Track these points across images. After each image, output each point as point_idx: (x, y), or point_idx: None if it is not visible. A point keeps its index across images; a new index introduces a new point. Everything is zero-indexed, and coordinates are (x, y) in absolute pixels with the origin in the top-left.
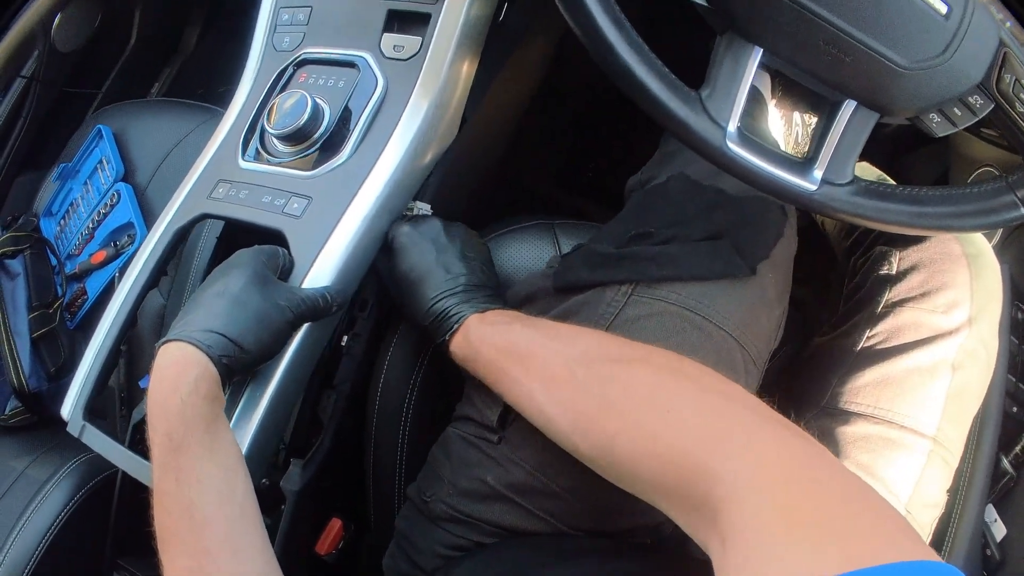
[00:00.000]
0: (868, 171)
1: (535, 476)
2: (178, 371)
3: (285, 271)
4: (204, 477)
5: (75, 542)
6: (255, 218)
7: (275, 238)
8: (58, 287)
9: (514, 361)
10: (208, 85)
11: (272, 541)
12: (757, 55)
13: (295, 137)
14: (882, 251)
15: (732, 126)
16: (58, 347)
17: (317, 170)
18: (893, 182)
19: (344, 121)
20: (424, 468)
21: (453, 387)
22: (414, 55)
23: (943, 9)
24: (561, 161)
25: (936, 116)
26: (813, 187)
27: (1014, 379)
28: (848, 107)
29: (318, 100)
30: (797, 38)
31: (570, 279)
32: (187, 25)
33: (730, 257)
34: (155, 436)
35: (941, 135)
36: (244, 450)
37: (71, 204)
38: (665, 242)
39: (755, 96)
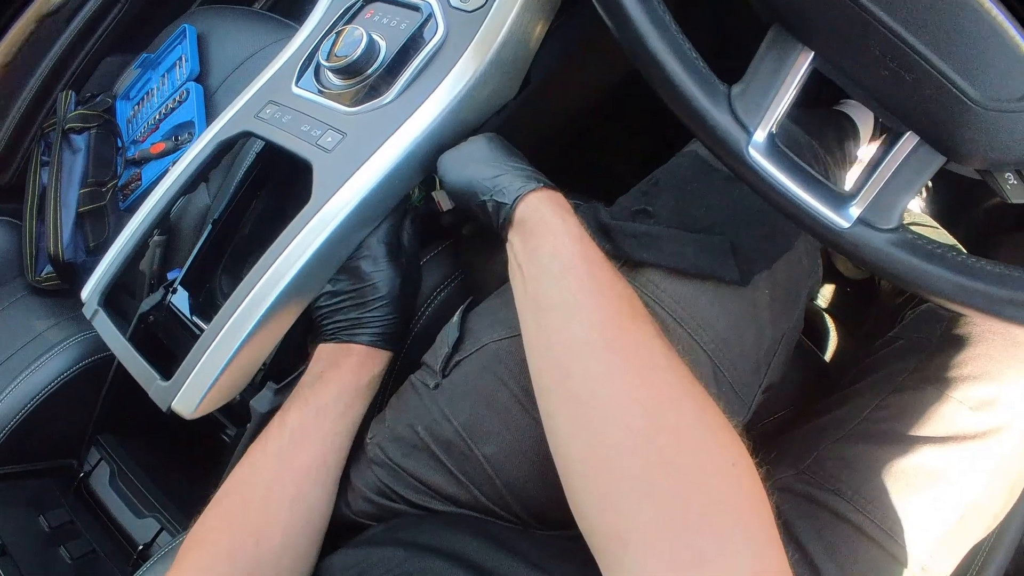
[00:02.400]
0: (944, 237)
1: (461, 436)
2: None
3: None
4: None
5: (64, 408)
6: (290, 144)
7: (305, 166)
8: (118, 167)
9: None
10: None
11: (232, 452)
12: (806, 58)
13: (346, 71)
14: (930, 311)
15: (761, 133)
16: (104, 224)
17: (359, 107)
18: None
19: (397, 63)
20: (377, 410)
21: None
22: (479, 8)
23: None
24: (647, 146)
25: (1012, 177)
26: (845, 224)
27: None
28: (909, 141)
29: (375, 37)
30: (850, 42)
31: None
32: None
33: (722, 256)
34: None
35: (1014, 201)
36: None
37: (147, 93)
38: (664, 224)
39: (849, 132)
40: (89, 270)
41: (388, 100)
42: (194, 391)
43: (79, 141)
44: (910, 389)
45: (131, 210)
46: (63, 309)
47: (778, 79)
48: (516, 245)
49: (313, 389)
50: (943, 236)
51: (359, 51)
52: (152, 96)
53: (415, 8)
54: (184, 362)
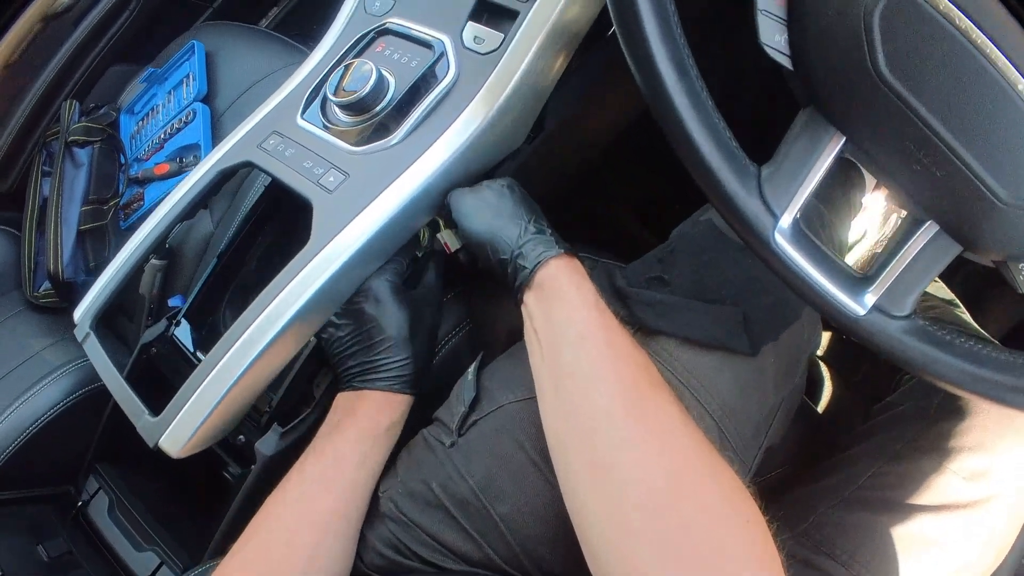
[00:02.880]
0: (942, 291)
1: (476, 495)
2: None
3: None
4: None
5: (63, 434)
6: (291, 180)
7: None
8: (120, 185)
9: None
10: (328, 20)
11: (235, 494)
12: (837, 143)
13: (353, 107)
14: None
15: (788, 218)
16: (105, 243)
17: (364, 147)
18: (963, 313)
19: (406, 103)
20: (388, 463)
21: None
22: (492, 51)
23: None
24: (649, 193)
25: None
26: (861, 311)
27: None
28: (929, 230)
29: (385, 73)
30: (885, 132)
31: None
32: None
33: (735, 328)
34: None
35: None
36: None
37: (152, 108)
38: (680, 293)
39: (855, 181)
40: (88, 289)
41: (394, 142)
42: (183, 429)
43: (82, 155)
44: (907, 458)
45: (132, 230)
46: (61, 328)
47: (808, 163)
48: (532, 309)
49: (331, 438)
50: (940, 288)
51: (368, 88)
52: (157, 112)
53: (427, 45)
54: (175, 398)
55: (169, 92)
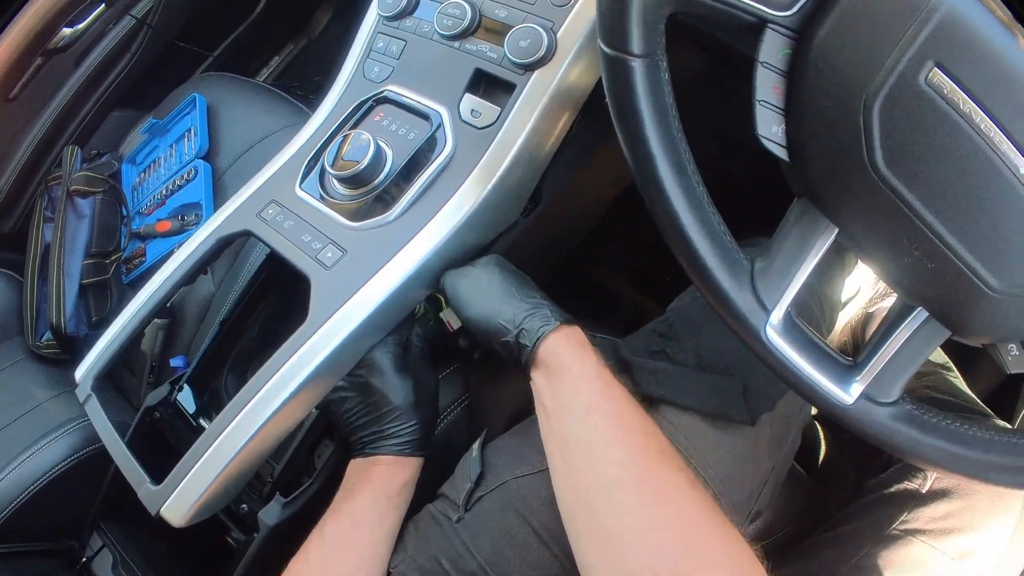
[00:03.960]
0: (935, 353)
1: (484, 570)
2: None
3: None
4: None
5: (67, 492)
6: (289, 254)
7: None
8: (122, 238)
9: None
10: (325, 72)
11: (242, 557)
12: (830, 235)
13: (352, 181)
14: None
15: (779, 313)
16: (106, 297)
17: (362, 223)
18: (955, 378)
19: (403, 178)
20: (396, 537)
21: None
22: (488, 126)
23: None
24: (642, 260)
25: (1015, 348)
26: (848, 400)
27: None
28: (918, 316)
29: (383, 147)
30: (878, 226)
31: None
32: (319, 8)
33: (734, 398)
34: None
35: (1013, 371)
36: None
37: (154, 161)
38: (681, 364)
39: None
40: (90, 343)
41: (391, 218)
42: (185, 499)
43: (84, 206)
44: (898, 540)
45: (134, 285)
46: (64, 380)
47: (801, 257)
48: (539, 384)
49: (347, 502)
50: (940, 356)
51: (366, 161)
52: (159, 166)
53: (425, 116)
54: (176, 468)
55: (171, 145)
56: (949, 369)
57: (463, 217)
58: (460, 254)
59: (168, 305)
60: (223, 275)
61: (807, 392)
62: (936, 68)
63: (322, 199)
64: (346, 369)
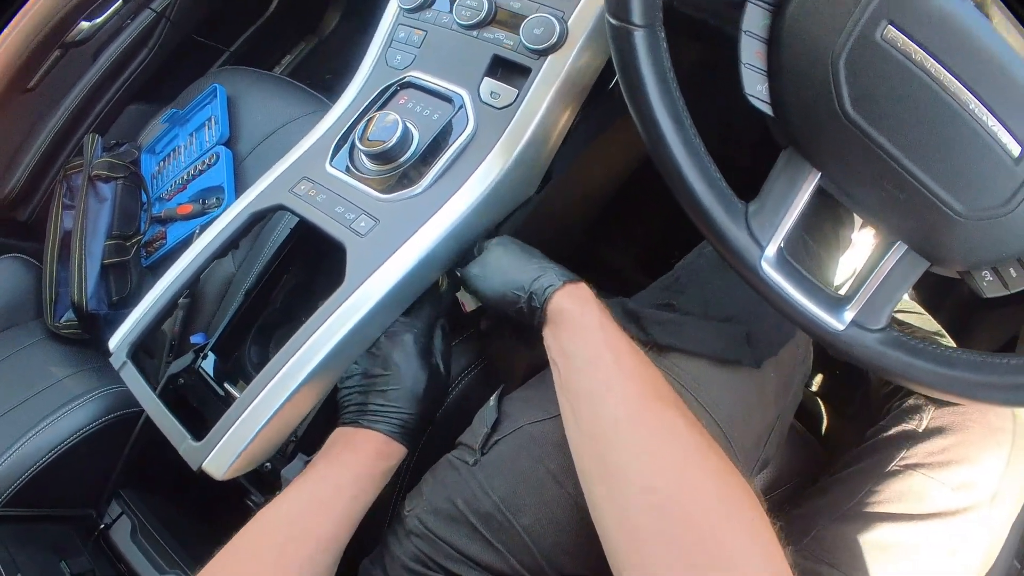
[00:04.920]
0: (929, 323)
1: (500, 509)
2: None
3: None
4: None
5: (86, 459)
6: (324, 224)
7: (338, 247)
8: (142, 223)
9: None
10: (336, 71)
11: None
12: (814, 178)
13: (381, 157)
14: (915, 404)
15: (772, 248)
16: (127, 279)
17: (392, 195)
18: (948, 340)
19: (429, 154)
20: (413, 485)
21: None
22: (507, 106)
23: (1015, 151)
24: (646, 241)
25: (988, 274)
26: (840, 327)
27: (1019, 566)
28: (898, 249)
29: (410, 126)
30: (851, 164)
31: None
32: (329, 7)
33: (739, 343)
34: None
35: (990, 296)
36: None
37: (173, 150)
38: (684, 314)
39: (845, 220)
40: (110, 323)
41: (419, 191)
42: (226, 454)
43: (106, 190)
44: (899, 475)
45: (153, 268)
46: (83, 359)
47: (789, 198)
48: (548, 340)
49: (331, 467)
50: (927, 321)
51: (394, 139)
52: (179, 154)
53: (447, 99)
54: (217, 425)
55: (191, 134)
56: (943, 336)
57: (486, 189)
58: (482, 225)
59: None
60: (243, 257)
61: (802, 320)
62: (890, 25)
63: (352, 174)
64: (373, 337)
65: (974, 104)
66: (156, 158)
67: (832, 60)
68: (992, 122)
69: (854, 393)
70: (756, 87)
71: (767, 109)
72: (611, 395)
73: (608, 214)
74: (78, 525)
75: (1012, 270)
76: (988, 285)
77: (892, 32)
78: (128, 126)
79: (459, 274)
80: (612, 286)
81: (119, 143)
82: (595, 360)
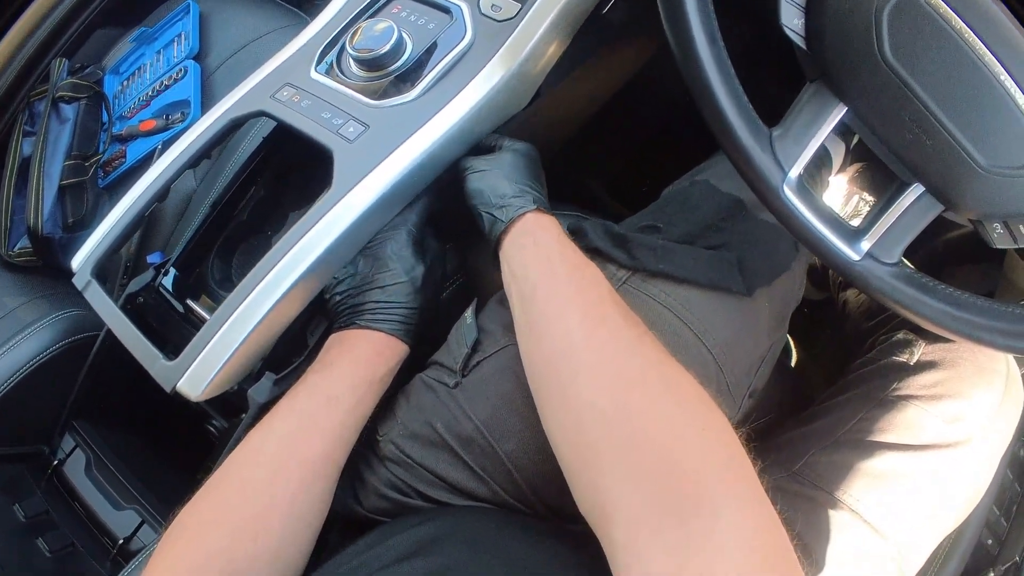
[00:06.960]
0: None
1: (481, 433)
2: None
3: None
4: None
5: (38, 391)
6: (309, 129)
7: (322, 154)
8: (101, 143)
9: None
10: None
11: (225, 444)
12: (840, 112)
13: (372, 63)
14: (906, 338)
15: (794, 173)
16: (83, 200)
17: (382, 101)
18: None
19: (422, 62)
20: (385, 408)
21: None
22: (508, 19)
23: None
24: (619, 168)
25: (999, 227)
26: (856, 257)
27: (998, 512)
28: (915, 191)
29: (404, 34)
30: (883, 105)
31: (582, 237)
32: None
33: (730, 271)
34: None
35: (998, 247)
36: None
37: (138, 68)
38: (673, 240)
39: (824, 161)
40: (65, 247)
41: (411, 98)
42: (202, 373)
43: (68, 111)
44: (892, 404)
45: (110, 188)
46: (36, 287)
47: (814, 127)
48: (502, 260)
49: (325, 376)
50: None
51: (388, 46)
52: (144, 72)
53: (445, 10)
54: (192, 343)
55: (158, 52)
56: None
57: (482, 99)
58: (474, 136)
59: None
60: (204, 172)
61: (818, 247)
62: None
63: (339, 81)
64: (362, 244)
65: (1004, 76)
66: (119, 78)
67: (876, 11)
68: (1021, 97)
69: (820, 331)
70: (793, 20)
71: (800, 42)
72: (559, 320)
73: (582, 141)
74: (31, 463)
75: (1023, 227)
76: (998, 236)
77: None
78: (96, 50)
79: (461, 163)
80: (584, 207)
81: (83, 66)
82: (538, 286)
